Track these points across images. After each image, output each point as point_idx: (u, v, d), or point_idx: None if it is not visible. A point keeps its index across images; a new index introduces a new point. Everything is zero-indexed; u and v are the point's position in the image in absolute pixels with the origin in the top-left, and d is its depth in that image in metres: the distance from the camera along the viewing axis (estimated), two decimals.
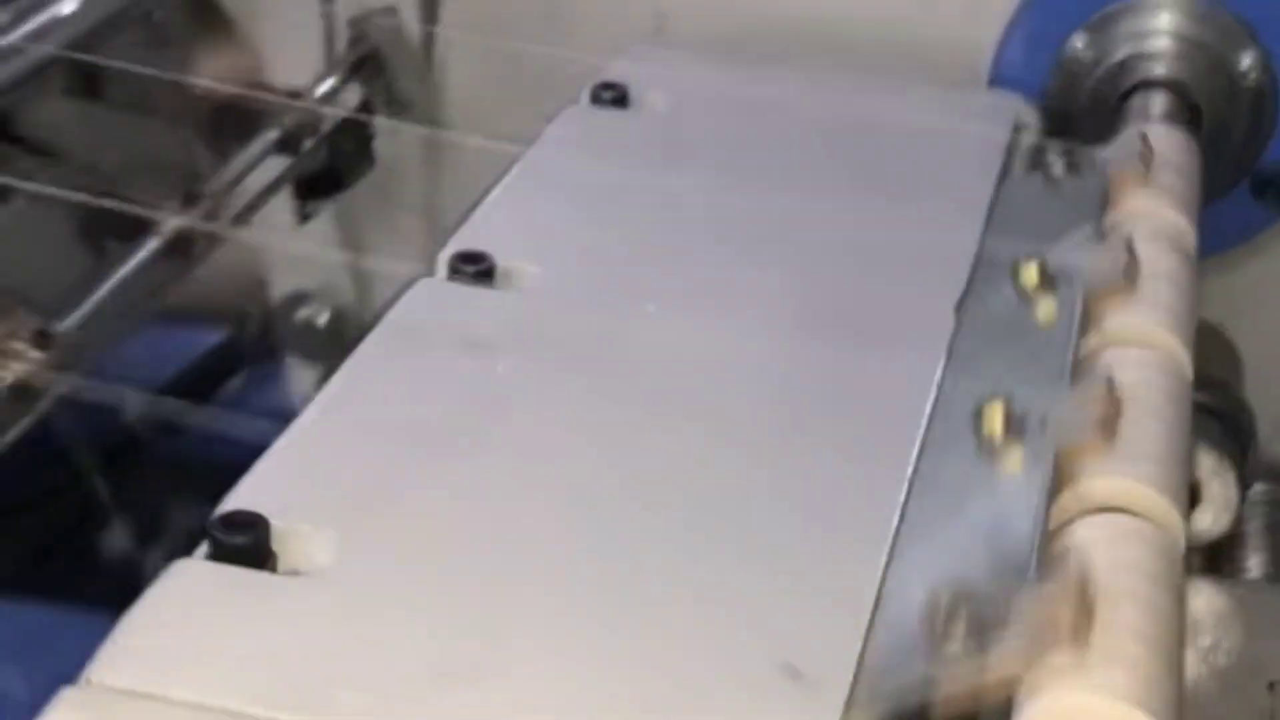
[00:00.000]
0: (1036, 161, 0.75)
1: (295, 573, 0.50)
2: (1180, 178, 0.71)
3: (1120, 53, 0.83)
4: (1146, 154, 0.72)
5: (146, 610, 0.48)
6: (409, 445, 0.55)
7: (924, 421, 0.57)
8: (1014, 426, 0.56)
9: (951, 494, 0.54)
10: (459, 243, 0.66)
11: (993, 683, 0.45)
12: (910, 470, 0.55)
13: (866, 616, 0.48)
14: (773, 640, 0.47)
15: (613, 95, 0.80)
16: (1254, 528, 0.87)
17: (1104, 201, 0.71)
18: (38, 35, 0.83)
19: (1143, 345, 0.60)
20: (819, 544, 0.52)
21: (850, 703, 0.45)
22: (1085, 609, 0.46)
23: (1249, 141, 0.84)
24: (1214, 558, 0.86)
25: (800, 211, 0.71)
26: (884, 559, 0.51)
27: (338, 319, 1.02)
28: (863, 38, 0.87)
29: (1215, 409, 0.82)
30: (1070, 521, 0.51)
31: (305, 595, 0.49)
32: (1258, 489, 0.90)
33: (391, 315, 0.61)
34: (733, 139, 0.77)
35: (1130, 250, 0.64)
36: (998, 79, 0.86)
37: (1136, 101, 0.81)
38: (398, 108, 0.94)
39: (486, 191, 0.71)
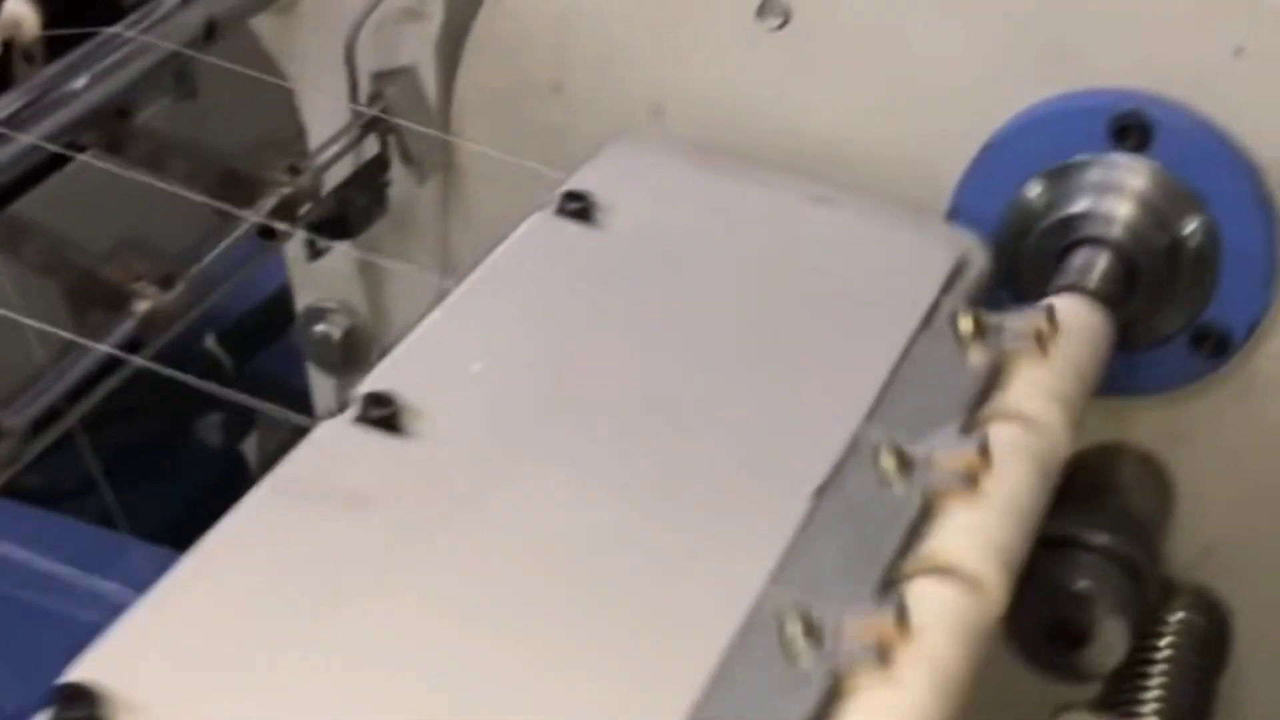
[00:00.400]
0: (950, 320, 0.79)
1: None
2: (1071, 364, 0.75)
3: (1070, 207, 0.86)
4: (1046, 333, 0.75)
5: None
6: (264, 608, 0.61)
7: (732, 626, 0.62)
8: (813, 631, 0.61)
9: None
10: (373, 381, 0.72)
11: None
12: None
13: None
14: None
15: (577, 207, 0.85)
16: (1161, 657, 0.91)
17: (995, 375, 0.75)
18: None
19: (949, 571, 0.64)
20: None
21: None
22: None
23: (1190, 298, 0.87)
24: (1116, 685, 0.90)
25: (701, 368, 0.76)
26: None
27: (353, 333, 1.09)
28: (845, 150, 0.91)
29: (1119, 554, 0.86)
30: None
31: None
32: (1177, 616, 0.93)
33: (284, 467, 0.67)
34: (671, 271, 0.82)
35: (984, 451, 0.69)
36: (957, 211, 0.89)
37: (1078, 258, 0.84)
38: (411, 164, 0.99)
39: (423, 317, 0.77)
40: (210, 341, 1.42)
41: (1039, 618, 0.85)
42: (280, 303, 1.19)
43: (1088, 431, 0.92)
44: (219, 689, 0.58)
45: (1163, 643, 0.91)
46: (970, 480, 0.68)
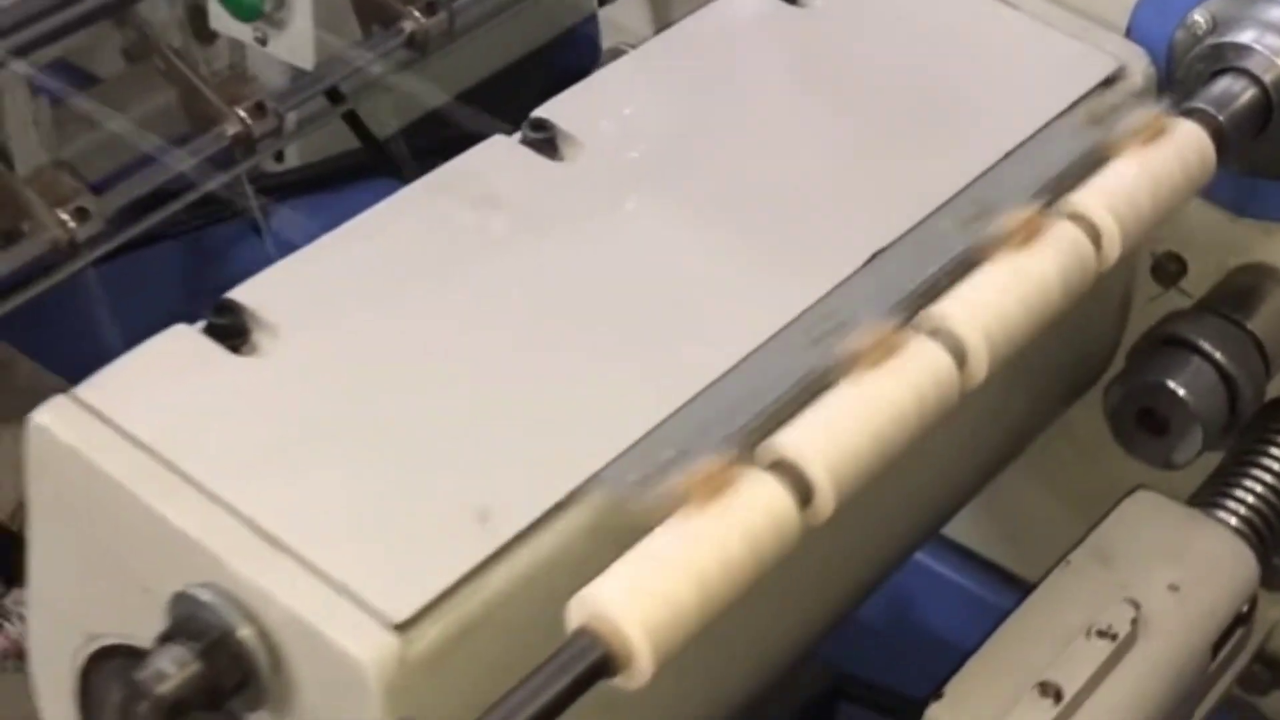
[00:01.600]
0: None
1: (252, 354, 0.75)
2: (1163, 168, 0.83)
3: (1226, 35, 0.93)
4: (1150, 134, 0.84)
5: (142, 353, 0.74)
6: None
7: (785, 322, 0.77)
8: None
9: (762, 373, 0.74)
10: (541, 110, 0.87)
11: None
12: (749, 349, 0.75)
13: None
14: None
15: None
16: (1254, 471, 0.98)
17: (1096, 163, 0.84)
18: None
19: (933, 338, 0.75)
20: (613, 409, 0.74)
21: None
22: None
23: None
24: (1210, 484, 0.99)
25: (833, 138, 0.88)
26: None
27: None
28: None
29: (1220, 366, 0.95)
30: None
31: (250, 376, 0.74)
32: None
33: (447, 165, 0.84)
34: (847, 46, 0.94)
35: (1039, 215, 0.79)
36: (1133, 28, 0.97)
37: (1220, 83, 0.92)
38: None
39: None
40: None
41: (1135, 400, 0.95)
42: None
43: (1238, 250, 1.01)
44: (336, 323, 0.76)
45: (1263, 456, 0.99)
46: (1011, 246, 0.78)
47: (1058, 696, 0.81)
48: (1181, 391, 0.93)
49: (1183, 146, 0.86)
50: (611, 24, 1.23)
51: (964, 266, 0.79)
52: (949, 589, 1.24)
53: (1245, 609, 0.90)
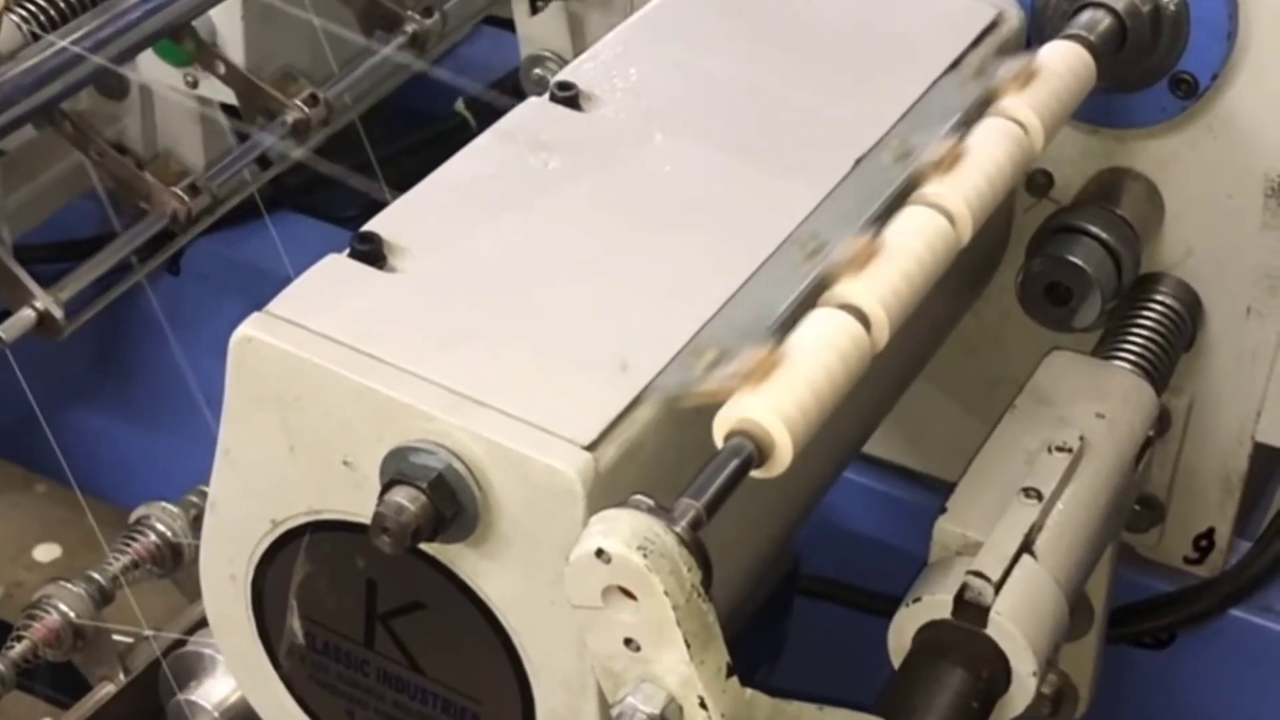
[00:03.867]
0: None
1: (394, 271, 0.91)
2: (1047, 88, 1.05)
3: None
4: (1026, 73, 1.05)
5: (311, 277, 0.90)
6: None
7: (787, 232, 0.95)
8: (819, 249, 0.94)
9: (772, 281, 0.93)
10: (564, 73, 1.05)
11: (714, 395, 0.84)
12: (762, 259, 0.94)
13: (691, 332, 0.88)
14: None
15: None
16: (1142, 323, 1.21)
17: (988, 101, 1.05)
18: None
19: (931, 207, 0.95)
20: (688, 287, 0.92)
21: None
22: (770, 366, 0.84)
23: (1168, 51, 1.16)
24: (1104, 340, 1.22)
25: (793, 84, 1.08)
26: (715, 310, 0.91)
27: None
28: None
29: (1106, 242, 1.17)
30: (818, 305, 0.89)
31: (401, 286, 0.90)
32: (1160, 299, 1.24)
33: (499, 123, 1.01)
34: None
35: (962, 140, 1.00)
36: None
37: (1083, 16, 1.14)
38: None
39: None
40: (460, 104, 1.78)
41: (1044, 276, 1.17)
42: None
43: (1098, 158, 1.24)
44: (456, 240, 0.93)
45: (1146, 314, 1.22)
46: (944, 166, 0.99)
47: (1039, 497, 1.02)
48: (1081, 263, 1.16)
49: (1071, 60, 1.08)
50: (529, 38, 1.42)
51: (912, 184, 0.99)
52: (856, 490, 1.45)
53: (1152, 432, 1.12)
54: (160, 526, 1.21)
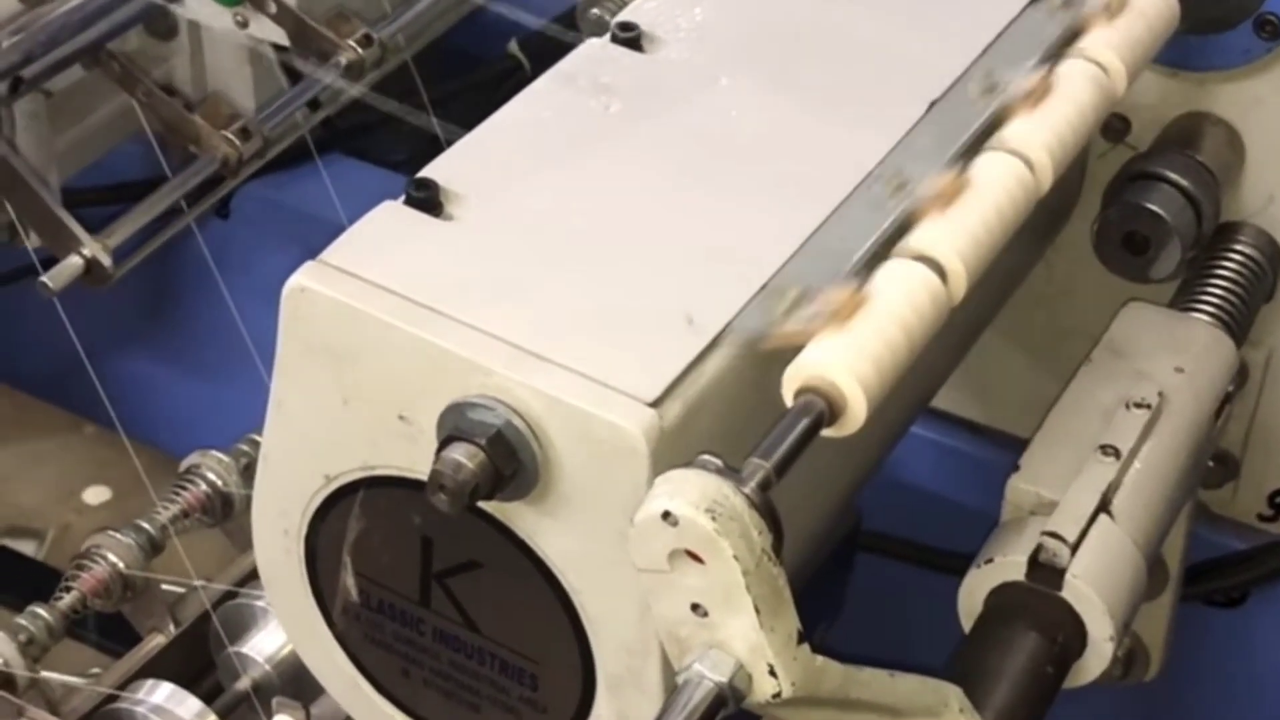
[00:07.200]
0: None
1: (451, 219, 0.88)
2: (1130, 29, 1.01)
3: None
4: (1114, 6, 1.01)
5: (366, 224, 0.87)
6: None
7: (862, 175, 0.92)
8: (903, 186, 0.90)
9: (852, 221, 0.89)
10: (624, 13, 1.02)
11: (796, 336, 0.81)
12: (834, 205, 0.90)
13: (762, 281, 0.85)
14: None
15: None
16: (1222, 274, 1.17)
17: (1074, 34, 1.01)
18: None
19: (1011, 154, 0.92)
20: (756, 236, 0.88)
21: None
22: (854, 306, 0.81)
23: None
24: (1183, 291, 1.18)
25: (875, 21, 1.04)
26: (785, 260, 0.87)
27: None
28: None
29: (1186, 190, 1.13)
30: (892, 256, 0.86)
31: (459, 235, 0.87)
32: (1240, 248, 1.20)
33: (559, 65, 0.98)
34: None
35: (1050, 76, 0.96)
36: None
37: None
38: None
39: None
40: (513, 45, 1.75)
41: (1122, 225, 1.13)
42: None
43: (1177, 102, 1.19)
44: (513, 187, 0.90)
45: (1226, 264, 1.17)
46: (1029, 103, 0.95)
47: (1116, 455, 0.98)
48: (1160, 211, 1.12)
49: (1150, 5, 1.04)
50: None
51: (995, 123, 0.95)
52: (920, 444, 1.41)
53: (1231, 387, 1.09)
54: (211, 475, 1.18)
